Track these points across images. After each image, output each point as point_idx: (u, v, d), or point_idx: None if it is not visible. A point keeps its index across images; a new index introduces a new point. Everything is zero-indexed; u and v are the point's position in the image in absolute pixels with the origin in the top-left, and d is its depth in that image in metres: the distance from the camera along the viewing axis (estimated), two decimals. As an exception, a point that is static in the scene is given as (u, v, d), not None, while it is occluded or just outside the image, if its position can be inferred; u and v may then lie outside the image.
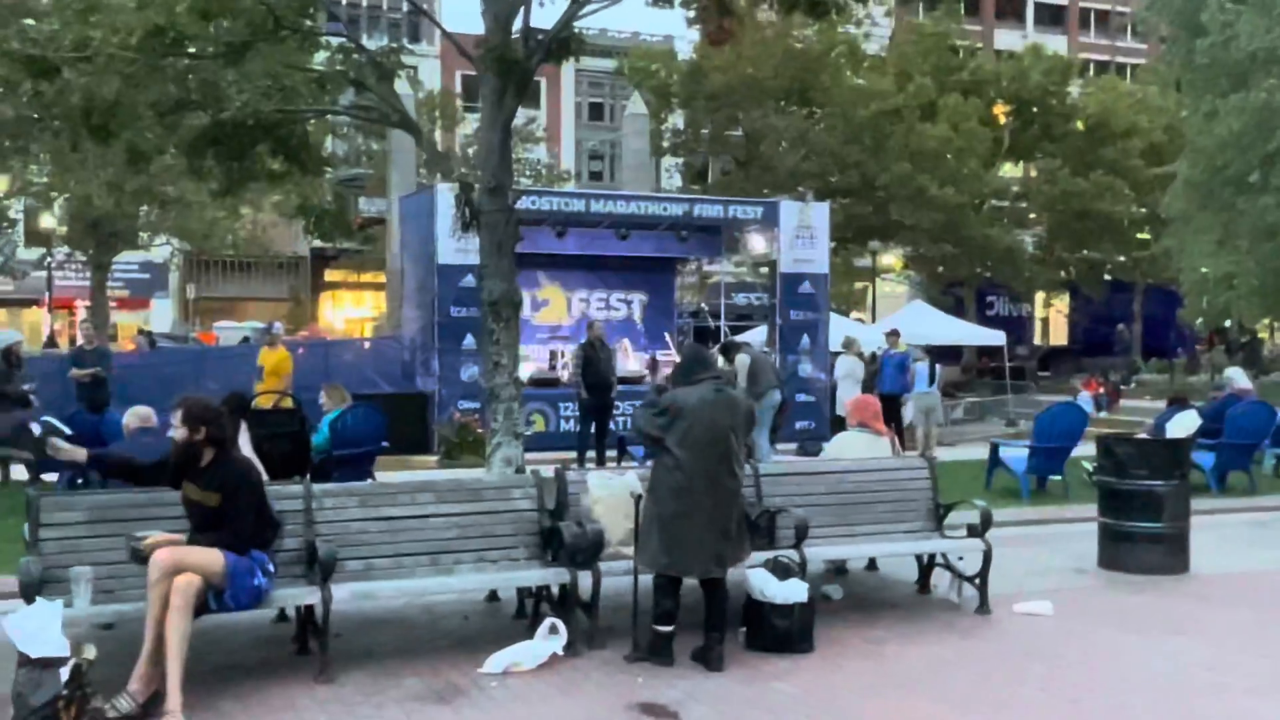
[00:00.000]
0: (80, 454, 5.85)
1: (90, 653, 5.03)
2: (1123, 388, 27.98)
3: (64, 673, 4.92)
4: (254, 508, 5.56)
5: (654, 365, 19.26)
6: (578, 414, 15.09)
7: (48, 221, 29.27)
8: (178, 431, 5.48)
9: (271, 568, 5.61)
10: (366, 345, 21.52)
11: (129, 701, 5.05)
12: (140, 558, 5.22)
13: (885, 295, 38.01)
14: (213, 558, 5.25)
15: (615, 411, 15.63)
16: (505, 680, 5.74)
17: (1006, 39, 45.57)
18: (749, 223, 18.70)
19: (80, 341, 14.77)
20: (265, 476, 7.57)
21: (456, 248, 15.55)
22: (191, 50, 9.60)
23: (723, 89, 31.02)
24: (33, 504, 5.65)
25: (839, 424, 13.38)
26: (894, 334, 17.85)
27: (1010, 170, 36.34)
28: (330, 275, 40.68)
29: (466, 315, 15.90)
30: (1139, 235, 34.34)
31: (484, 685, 5.66)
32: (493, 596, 7.29)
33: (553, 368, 18.37)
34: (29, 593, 5.18)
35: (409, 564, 6.23)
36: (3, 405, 12.39)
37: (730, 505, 6.02)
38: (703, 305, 29.84)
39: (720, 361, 15.40)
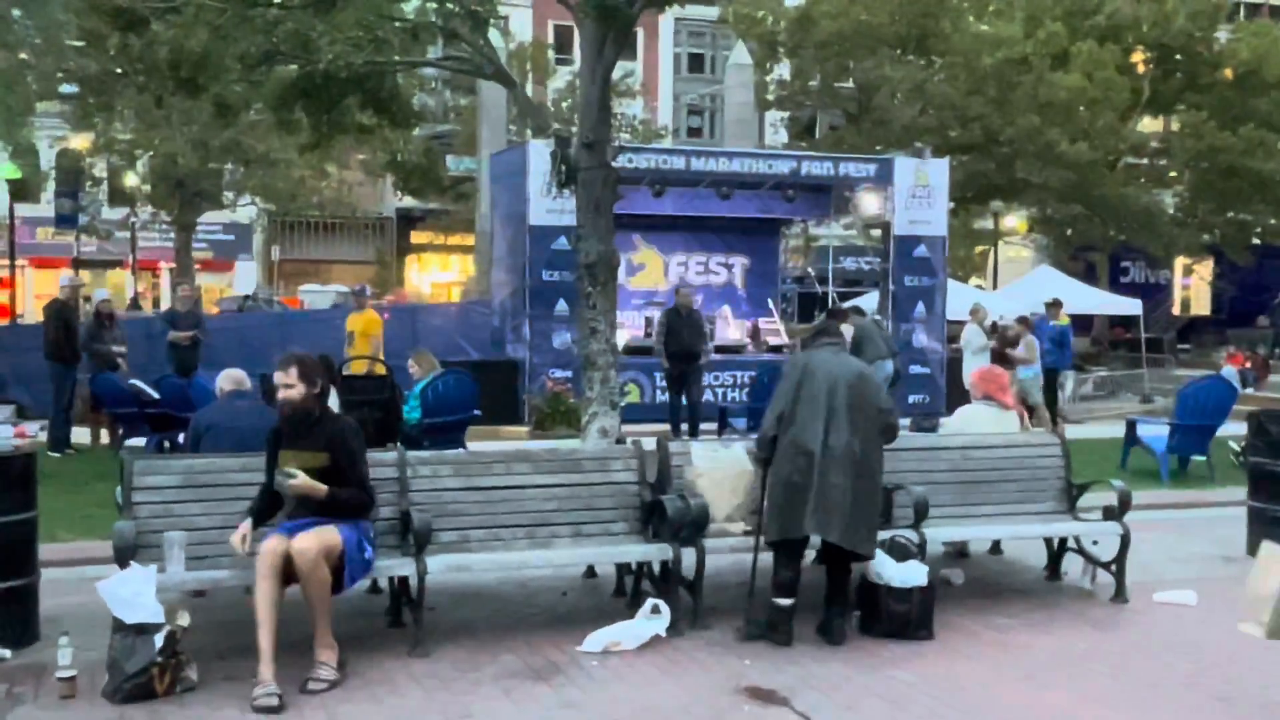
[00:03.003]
0: (321, 489, 5.46)
1: (184, 620, 5.22)
2: (1272, 362, 27.03)
3: (158, 639, 5.10)
4: (365, 463, 5.61)
5: (756, 333, 19.18)
6: (666, 385, 15.11)
7: (132, 180, 30.18)
8: (294, 390, 5.48)
9: (373, 534, 5.73)
10: (455, 310, 21.82)
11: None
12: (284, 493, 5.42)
13: (1008, 260, 37.21)
14: (333, 540, 5.36)
15: (715, 382, 15.62)
16: (606, 659, 5.79)
17: (1147, -21, 43.95)
18: (861, 181, 18.43)
19: (175, 305, 15.21)
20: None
21: (549, 208, 15.63)
22: (280, 0, 9.78)
23: (833, 37, 30.52)
24: (126, 468, 5.86)
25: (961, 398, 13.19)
26: (1055, 304, 17.43)
27: (1149, 124, 35.16)
28: (416, 237, 41.27)
29: (559, 279, 16.01)
30: (1293, 195, 33.04)
31: (584, 664, 5.73)
32: (590, 573, 7.36)
33: (648, 335, 18.40)
34: (123, 557, 5.37)
35: (505, 536, 6.32)
36: (93, 365, 12.87)
37: (843, 468, 5.97)
38: (809, 270, 29.63)
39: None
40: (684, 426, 14.42)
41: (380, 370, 9.82)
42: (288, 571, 5.26)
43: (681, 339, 14.39)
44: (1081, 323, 31.45)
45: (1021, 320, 16.40)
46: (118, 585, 5.15)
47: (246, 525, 5.41)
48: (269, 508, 5.57)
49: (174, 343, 13.55)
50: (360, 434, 5.69)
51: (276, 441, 5.58)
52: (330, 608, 5.40)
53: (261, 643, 5.11)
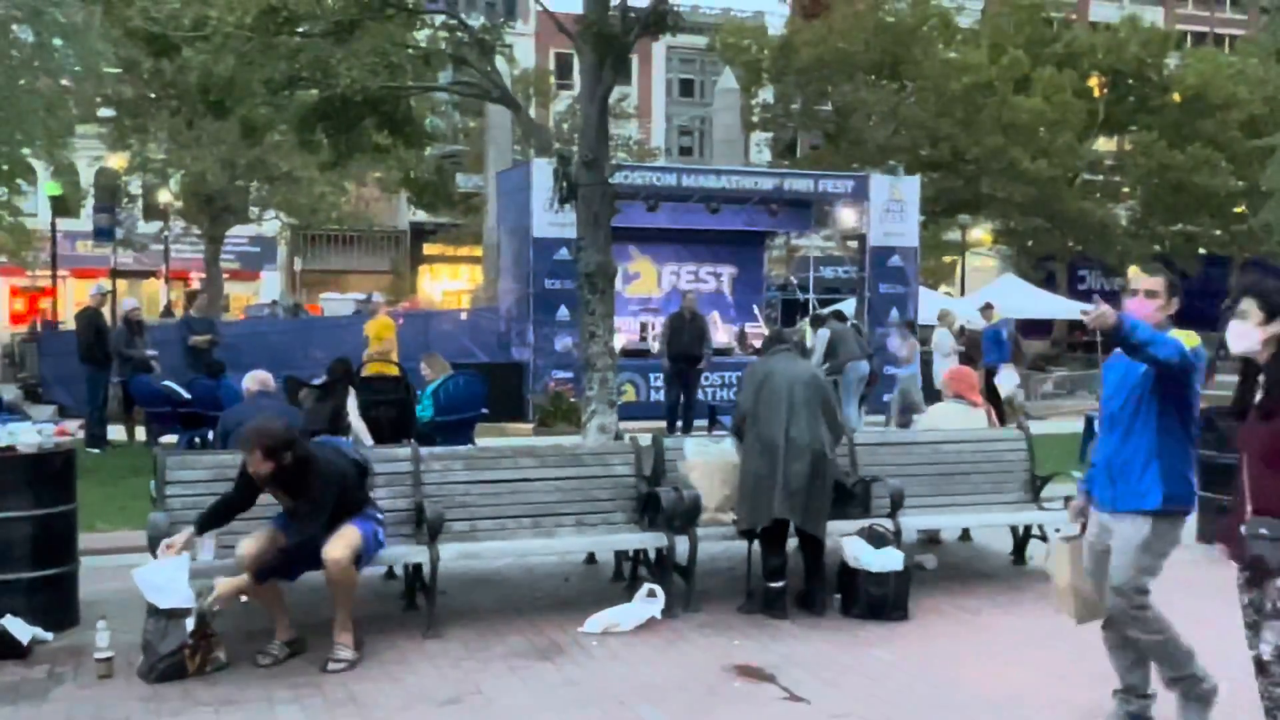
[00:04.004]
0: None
1: (216, 602, 5.17)
2: (1217, 363, 27.05)
3: (189, 623, 5.07)
4: (329, 505, 5.27)
5: (743, 337, 19.15)
6: (665, 385, 15.08)
7: (165, 197, 30.06)
8: (264, 467, 5.12)
9: (380, 515, 5.65)
10: (464, 316, 21.76)
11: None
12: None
13: (974, 269, 37.21)
14: (356, 539, 5.33)
15: (705, 382, 15.57)
16: (605, 640, 5.76)
17: (1102, 10, 44.01)
18: (839, 196, 18.40)
19: (192, 312, 15.21)
20: (370, 441, 7.74)
21: (551, 221, 15.59)
22: (302, 29, 9.74)
23: (813, 63, 30.54)
24: (159, 462, 5.83)
25: (934, 397, 13.17)
26: (988, 307, 17.54)
27: (1104, 143, 35.19)
28: (429, 249, 41.16)
29: (560, 287, 15.98)
30: (1236, 209, 33.04)
31: (585, 644, 5.70)
32: (590, 559, 7.33)
33: (643, 339, 18.36)
34: (157, 545, 5.33)
35: (511, 526, 6.30)
36: (125, 369, 12.82)
37: (803, 458, 6.02)
38: (791, 278, 29.59)
39: (808, 334, 15.32)
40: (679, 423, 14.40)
41: (391, 371, 9.76)
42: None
43: (682, 341, 14.38)
44: (1042, 327, 31.51)
45: (907, 324, 16.41)
46: (152, 573, 5.11)
47: (183, 536, 5.20)
48: (221, 518, 5.38)
49: (193, 346, 13.54)
50: (332, 482, 5.31)
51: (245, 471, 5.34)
52: (352, 598, 5.39)
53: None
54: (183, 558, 5.17)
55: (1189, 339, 4.20)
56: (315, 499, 5.23)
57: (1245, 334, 3.79)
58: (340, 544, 5.26)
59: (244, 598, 5.31)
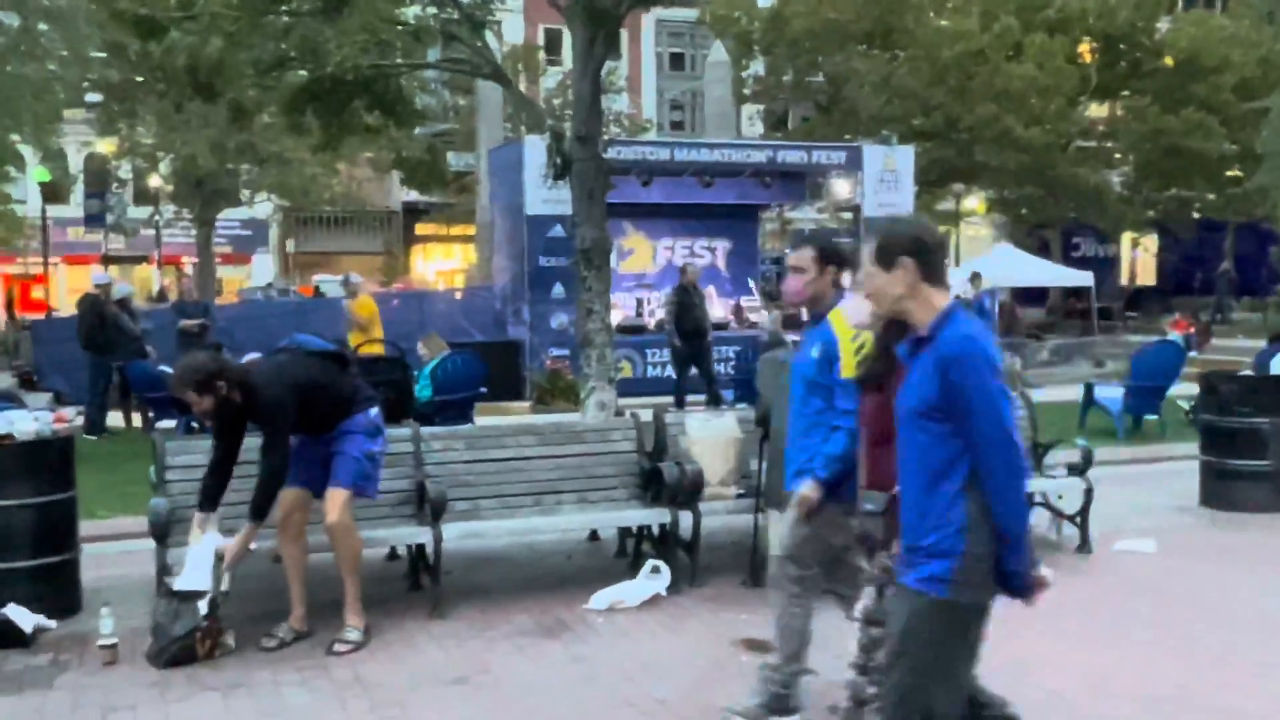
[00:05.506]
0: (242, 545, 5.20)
1: (225, 585, 5.15)
2: (1214, 327, 27.04)
3: (202, 606, 5.04)
4: (285, 421, 5.12)
5: (739, 311, 19.08)
6: (672, 361, 14.68)
7: (155, 181, 29.93)
8: (204, 404, 5.03)
9: (373, 411, 5.44)
10: (458, 295, 21.67)
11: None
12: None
13: (969, 239, 37.14)
14: (343, 496, 5.27)
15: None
16: (611, 616, 5.75)
17: (1092, -25, 43.70)
18: (832, 168, 18.31)
19: (183, 296, 15.15)
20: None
21: (544, 199, 15.48)
22: (290, 7, 9.62)
23: (804, 34, 30.32)
24: (159, 448, 5.79)
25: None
26: (976, 276, 17.65)
27: (1097, 109, 35.02)
28: (421, 229, 41.03)
29: (555, 264, 15.88)
30: (1230, 173, 32.94)
31: (590, 621, 5.68)
32: (593, 536, 7.31)
33: (639, 315, 18.27)
34: (159, 531, 5.31)
35: (513, 504, 6.27)
36: (124, 355, 12.78)
37: None
38: (786, 251, 29.50)
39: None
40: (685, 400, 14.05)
41: (377, 349, 9.68)
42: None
43: (694, 315, 13.98)
44: (1037, 294, 31.47)
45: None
46: (205, 547, 5.09)
47: (201, 519, 5.16)
48: (218, 484, 5.25)
49: (183, 330, 13.47)
50: (276, 399, 5.12)
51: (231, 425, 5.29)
52: (358, 570, 5.36)
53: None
54: (209, 539, 5.13)
55: (840, 327, 4.09)
56: (268, 420, 5.10)
57: (859, 307, 3.78)
58: (332, 508, 5.23)
59: (254, 546, 5.20)
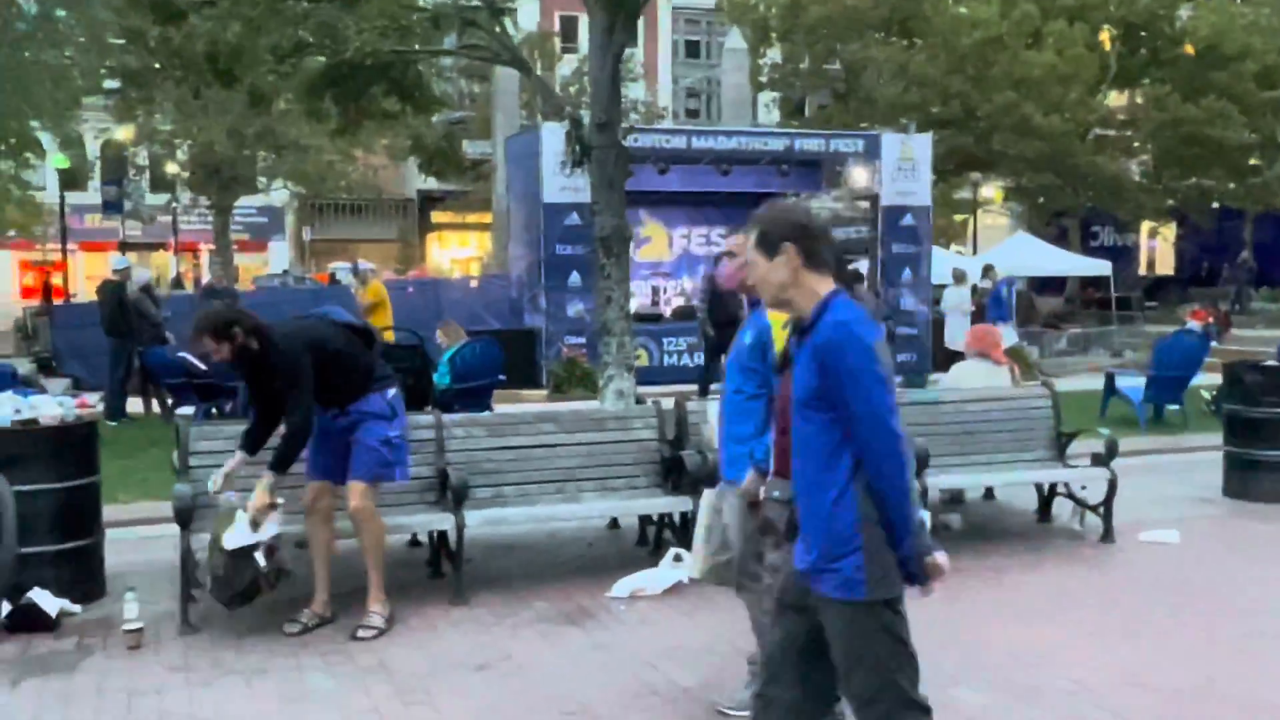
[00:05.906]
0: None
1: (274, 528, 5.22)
2: (1233, 317, 26.86)
3: (259, 557, 5.09)
4: (302, 374, 5.08)
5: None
6: (704, 350, 14.37)
7: (172, 168, 30.03)
8: (221, 352, 5.08)
9: (391, 391, 5.41)
10: (474, 284, 21.68)
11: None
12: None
13: (986, 227, 36.95)
14: (362, 486, 5.26)
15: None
16: (633, 604, 5.75)
17: (1112, -38, 43.34)
18: (850, 156, 18.22)
19: (213, 282, 15.18)
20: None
21: (561, 186, 15.46)
22: (309, -8, 9.62)
23: (821, 21, 30.16)
24: (182, 433, 5.80)
25: (949, 357, 13.13)
26: (989, 268, 17.64)
27: (1117, 98, 34.77)
28: (437, 217, 41.05)
29: (571, 253, 15.87)
30: (1250, 161, 32.69)
31: (612, 609, 5.68)
32: (614, 524, 7.31)
33: (655, 304, 18.23)
34: (183, 518, 5.32)
35: (535, 491, 6.27)
36: (142, 339, 12.84)
37: None
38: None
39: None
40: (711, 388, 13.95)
41: (387, 338, 9.69)
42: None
43: (727, 306, 13.86)
44: (1055, 284, 31.31)
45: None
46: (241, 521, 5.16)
47: (235, 461, 5.25)
48: (258, 439, 5.35)
49: None
50: (293, 351, 5.12)
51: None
52: (382, 556, 5.37)
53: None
54: (228, 497, 5.21)
55: (775, 314, 3.92)
56: (286, 375, 5.09)
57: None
58: (354, 495, 5.25)
59: (279, 501, 5.20)
